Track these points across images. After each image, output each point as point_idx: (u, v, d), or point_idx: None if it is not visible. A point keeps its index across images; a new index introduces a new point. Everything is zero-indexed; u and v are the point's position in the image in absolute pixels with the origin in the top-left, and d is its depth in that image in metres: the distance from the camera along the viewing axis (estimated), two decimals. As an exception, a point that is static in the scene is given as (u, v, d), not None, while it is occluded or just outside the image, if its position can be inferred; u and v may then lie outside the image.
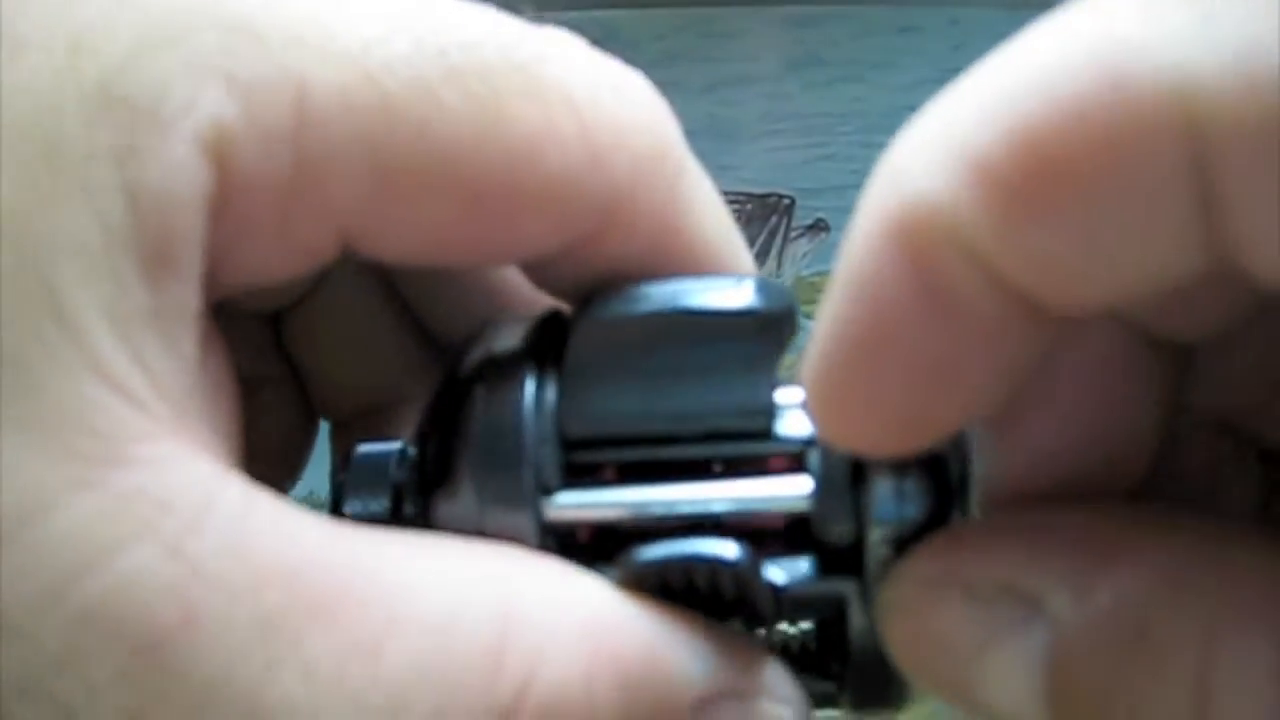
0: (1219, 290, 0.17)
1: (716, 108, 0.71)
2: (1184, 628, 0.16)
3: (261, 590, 0.17)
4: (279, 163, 0.18)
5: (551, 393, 0.21)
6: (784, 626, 0.22)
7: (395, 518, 0.21)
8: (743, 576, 0.19)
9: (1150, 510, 0.19)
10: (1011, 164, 0.15)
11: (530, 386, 0.20)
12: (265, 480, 0.18)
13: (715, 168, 0.22)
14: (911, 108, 0.16)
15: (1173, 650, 0.16)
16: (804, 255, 0.71)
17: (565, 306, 0.22)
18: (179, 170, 0.17)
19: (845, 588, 0.20)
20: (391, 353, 0.26)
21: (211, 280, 0.18)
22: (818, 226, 0.71)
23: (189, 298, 0.18)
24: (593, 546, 0.20)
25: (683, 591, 0.19)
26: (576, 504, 0.20)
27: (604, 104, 0.20)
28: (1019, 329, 0.16)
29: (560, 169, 0.20)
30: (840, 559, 0.20)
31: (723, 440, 0.21)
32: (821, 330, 0.17)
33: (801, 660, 0.22)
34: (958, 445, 0.19)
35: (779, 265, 0.71)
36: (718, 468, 0.21)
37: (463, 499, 0.20)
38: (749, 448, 0.21)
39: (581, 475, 0.21)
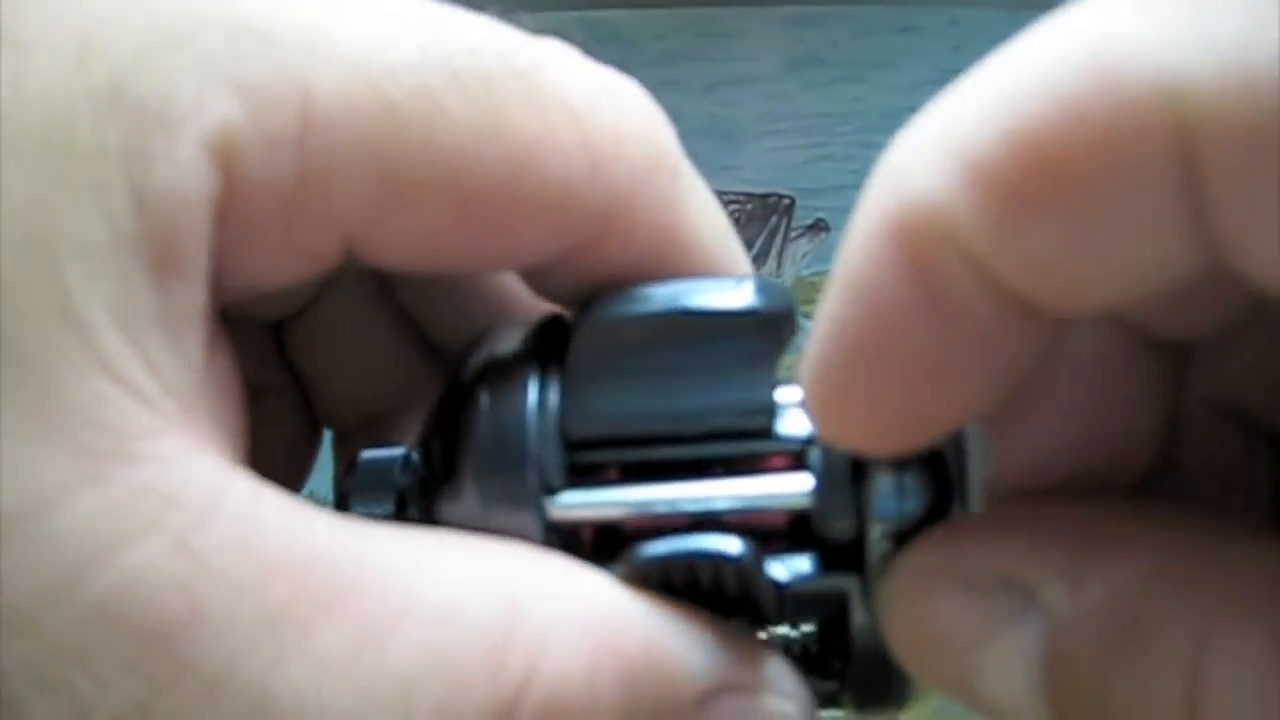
0: (1216, 290, 0.17)
1: (716, 108, 0.71)
2: (1178, 621, 0.16)
3: (268, 584, 0.17)
4: (284, 167, 0.18)
5: (554, 394, 0.21)
6: (786, 629, 0.22)
7: (400, 521, 0.21)
8: (746, 572, 0.19)
9: (1149, 505, 0.19)
10: (1009, 165, 0.15)
11: (533, 388, 0.21)
12: None
13: (715, 168, 0.22)
14: (911, 108, 0.16)
15: (1166, 642, 0.16)
16: (804, 255, 0.71)
17: (565, 312, 0.22)
18: (185, 173, 0.17)
19: (847, 584, 0.20)
20: (393, 362, 0.26)
21: (217, 283, 0.18)
22: (818, 226, 0.71)
23: (195, 299, 0.18)
24: (596, 546, 0.20)
25: (686, 588, 0.20)
26: (580, 504, 0.20)
27: (602, 111, 0.20)
28: (1016, 329, 0.16)
29: (561, 176, 0.20)
30: (842, 555, 0.20)
31: (724, 439, 0.21)
32: (819, 330, 0.17)
33: (803, 661, 0.22)
34: (957, 441, 0.20)
35: (779, 265, 0.71)
36: (719, 467, 0.21)
37: (466, 500, 0.20)
38: (750, 446, 0.21)
39: (584, 476, 0.21)
